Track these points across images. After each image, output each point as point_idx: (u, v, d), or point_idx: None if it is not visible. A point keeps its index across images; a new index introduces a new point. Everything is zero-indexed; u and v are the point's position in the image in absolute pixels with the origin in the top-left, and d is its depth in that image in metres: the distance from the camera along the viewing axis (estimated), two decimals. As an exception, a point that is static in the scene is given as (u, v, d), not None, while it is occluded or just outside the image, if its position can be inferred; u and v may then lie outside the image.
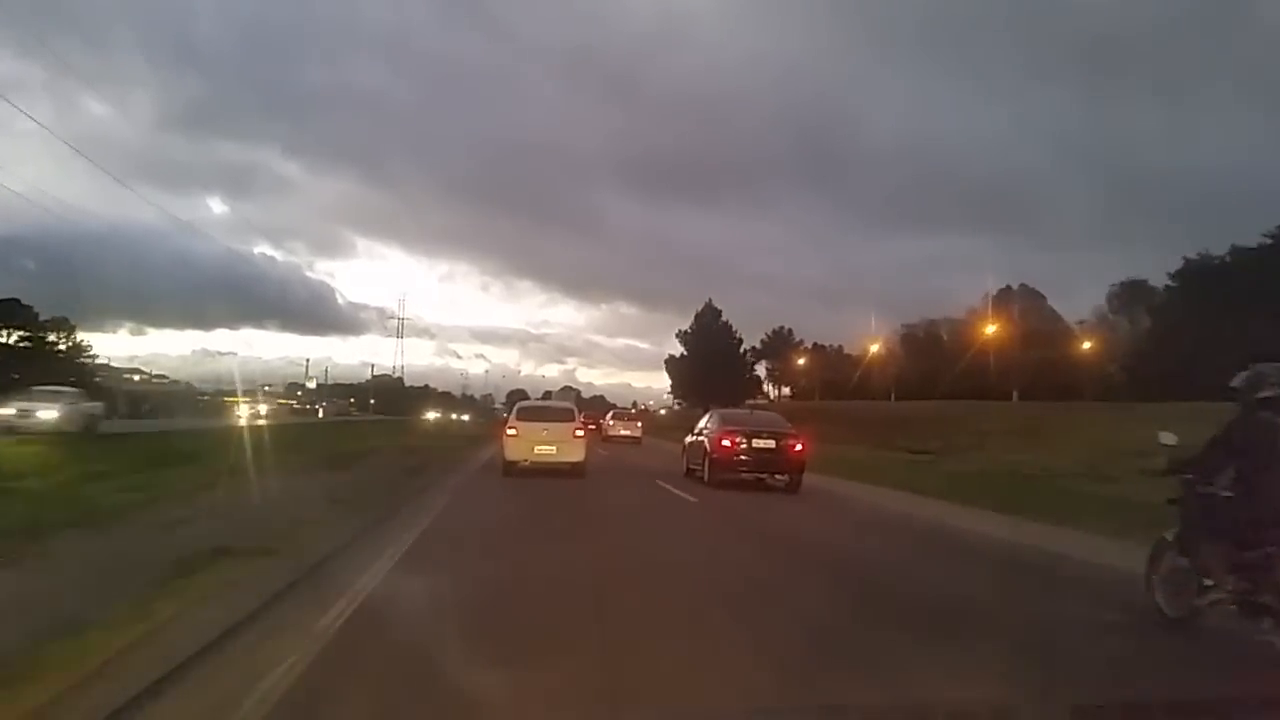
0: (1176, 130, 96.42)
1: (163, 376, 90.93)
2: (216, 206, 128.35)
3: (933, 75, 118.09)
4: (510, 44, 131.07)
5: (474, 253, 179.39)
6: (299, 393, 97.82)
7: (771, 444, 15.03)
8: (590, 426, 19.79)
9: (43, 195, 72.23)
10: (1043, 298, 61.80)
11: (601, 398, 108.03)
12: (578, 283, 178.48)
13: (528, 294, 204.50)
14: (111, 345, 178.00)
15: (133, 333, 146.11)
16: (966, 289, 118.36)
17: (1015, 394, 50.31)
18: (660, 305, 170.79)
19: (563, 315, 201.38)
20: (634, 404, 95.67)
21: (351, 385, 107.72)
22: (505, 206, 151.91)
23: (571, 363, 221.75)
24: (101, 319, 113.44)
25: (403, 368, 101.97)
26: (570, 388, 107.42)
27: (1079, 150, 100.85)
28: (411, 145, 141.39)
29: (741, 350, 74.89)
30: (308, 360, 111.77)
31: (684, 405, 77.50)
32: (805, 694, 4.03)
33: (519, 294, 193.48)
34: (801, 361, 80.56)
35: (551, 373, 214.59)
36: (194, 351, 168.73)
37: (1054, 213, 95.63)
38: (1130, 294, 54.77)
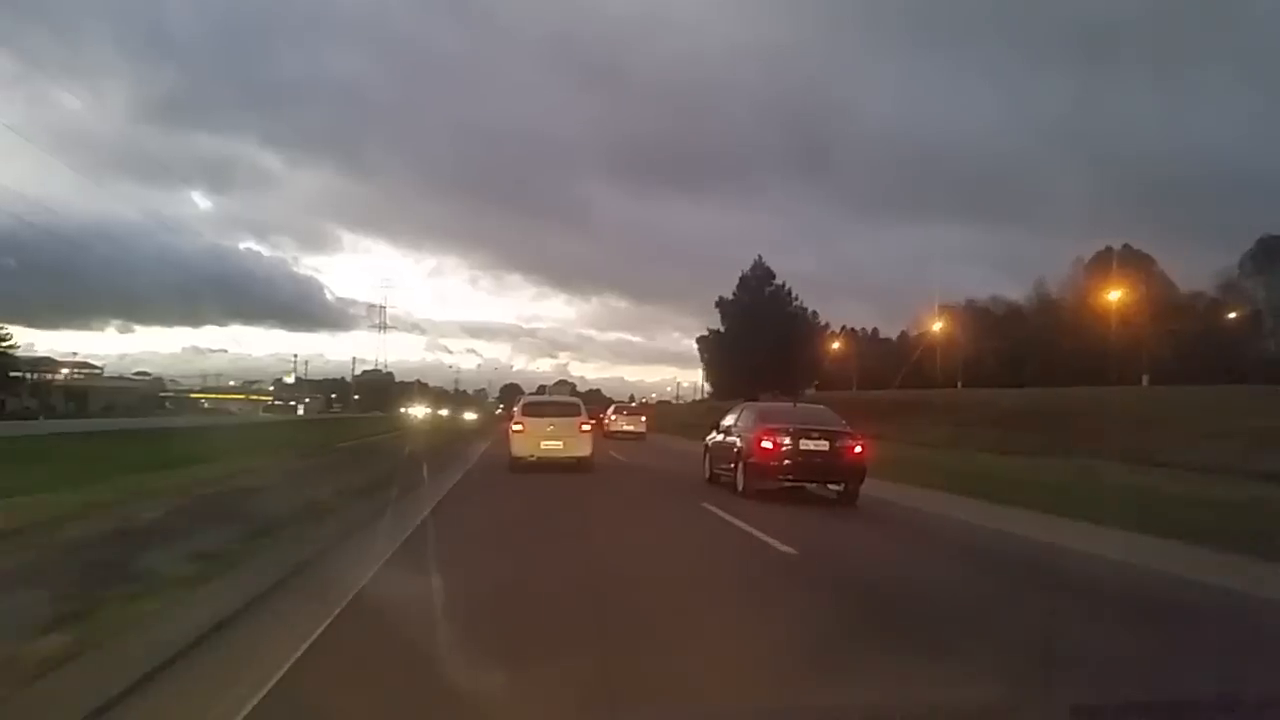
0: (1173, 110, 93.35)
1: (144, 373, 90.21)
2: (200, 201, 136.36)
3: (929, 56, 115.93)
4: (491, 30, 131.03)
5: (462, 246, 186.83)
6: (270, 388, 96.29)
7: (824, 445, 12.66)
8: (592, 422, 20.09)
9: (10, 193, 71.57)
10: (1151, 260, 52.51)
11: (598, 391, 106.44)
12: (567, 276, 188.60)
13: (517, 288, 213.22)
14: (100, 343, 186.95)
15: (120, 330, 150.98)
16: (975, 275, 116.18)
17: (1145, 377, 42.97)
18: (651, 298, 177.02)
19: (553, 309, 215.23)
20: (631, 397, 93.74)
21: (333, 381, 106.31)
22: (492, 198, 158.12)
23: (564, 357, 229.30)
24: (88, 317, 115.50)
25: (385, 362, 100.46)
26: (565, 381, 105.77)
27: (1069, 134, 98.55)
28: (394, 136, 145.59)
29: (801, 321, 59.96)
30: (295, 356, 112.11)
31: (711, 395, 73.11)
32: None
33: (508, 288, 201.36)
34: (836, 346, 77.40)
35: (544, 367, 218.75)
36: (184, 349, 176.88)
37: (1049, 198, 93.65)
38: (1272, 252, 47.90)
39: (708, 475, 15.58)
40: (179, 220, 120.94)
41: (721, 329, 61.52)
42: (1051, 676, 4.28)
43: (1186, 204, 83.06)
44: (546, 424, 17.13)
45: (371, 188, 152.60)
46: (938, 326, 57.04)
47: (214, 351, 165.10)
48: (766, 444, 12.72)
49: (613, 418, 38.26)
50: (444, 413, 72.91)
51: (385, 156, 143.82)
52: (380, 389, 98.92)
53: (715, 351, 63.28)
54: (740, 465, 13.36)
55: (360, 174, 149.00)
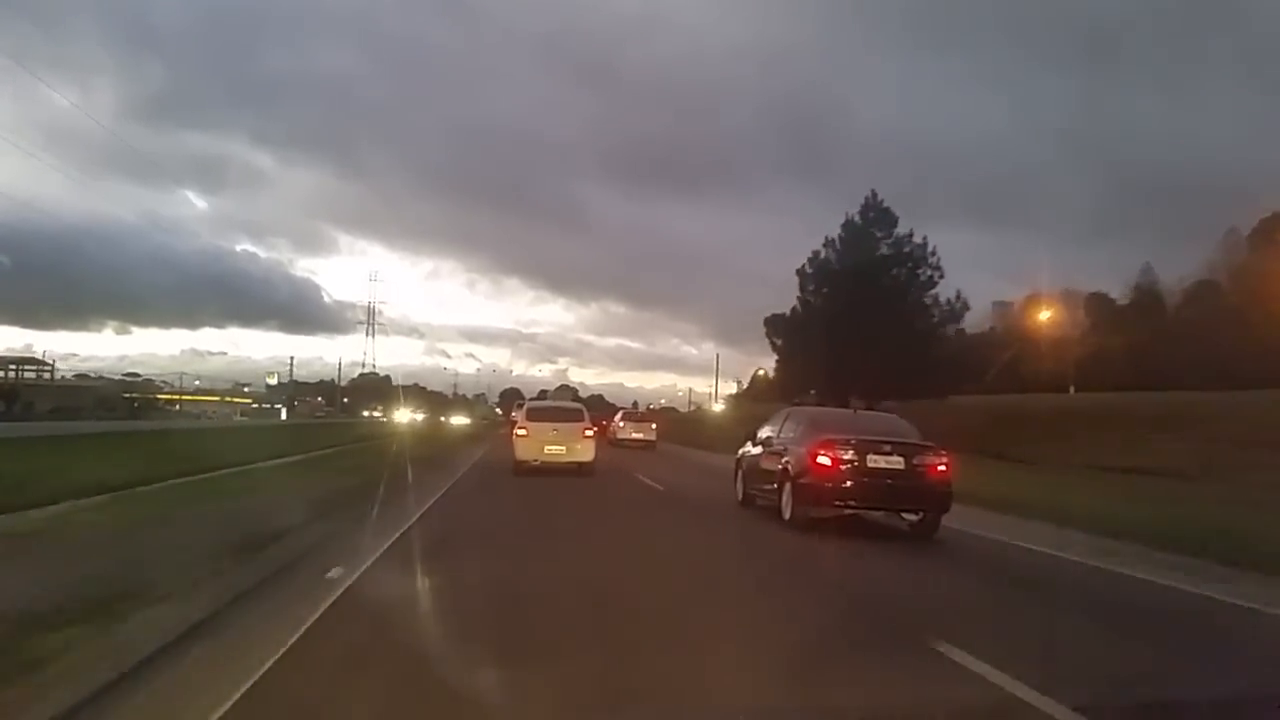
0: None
1: (135, 374, 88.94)
2: (196, 202, 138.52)
3: (933, 56, 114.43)
4: (487, 29, 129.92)
5: (458, 249, 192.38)
6: (246, 389, 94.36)
7: (898, 462, 10.49)
8: (595, 428, 19.64)
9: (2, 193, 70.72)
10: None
11: (600, 397, 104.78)
12: (566, 280, 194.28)
13: (515, 292, 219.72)
14: (98, 345, 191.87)
15: (117, 332, 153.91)
16: (986, 277, 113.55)
17: None
18: (650, 304, 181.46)
19: (552, 314, 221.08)
20: (634, 403, 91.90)
21: (326, 383, 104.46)
22: (488, 201, 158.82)
23: (563, 362, 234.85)
24: (84, 318, 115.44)
25: (375, 363, 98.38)
26: (567, 386, 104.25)
27: (1073, 140, 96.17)
28: (390, 138, 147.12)
29: (939, 297, 37.32)
30: (292, 359, 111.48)
31: (733, 400, 68.88)
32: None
33: (506, 292, 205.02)
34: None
35: (543, 372, 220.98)
36: (183, 351, 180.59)
37: (1054, 206, 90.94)
38: None
39: (740, 497, 13.57)
40: (174, 221, 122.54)
41: (810, 298, 40.63)
42: None
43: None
44: (550, 428, 17.71)
45: (368, 189, 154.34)
46: (1045, 316, 44.06)
47: (213, 354, 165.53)
48: (823, 460, 10.50)
49: (621, 425, 36.43)
50: (420, 417, 62.20)
51: (381, 158, 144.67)
52: (374, 392, 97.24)
53: (793, 338, 41.56)
54: (788, 486, 11.16)
55: (357, 175, 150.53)
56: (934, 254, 37.02)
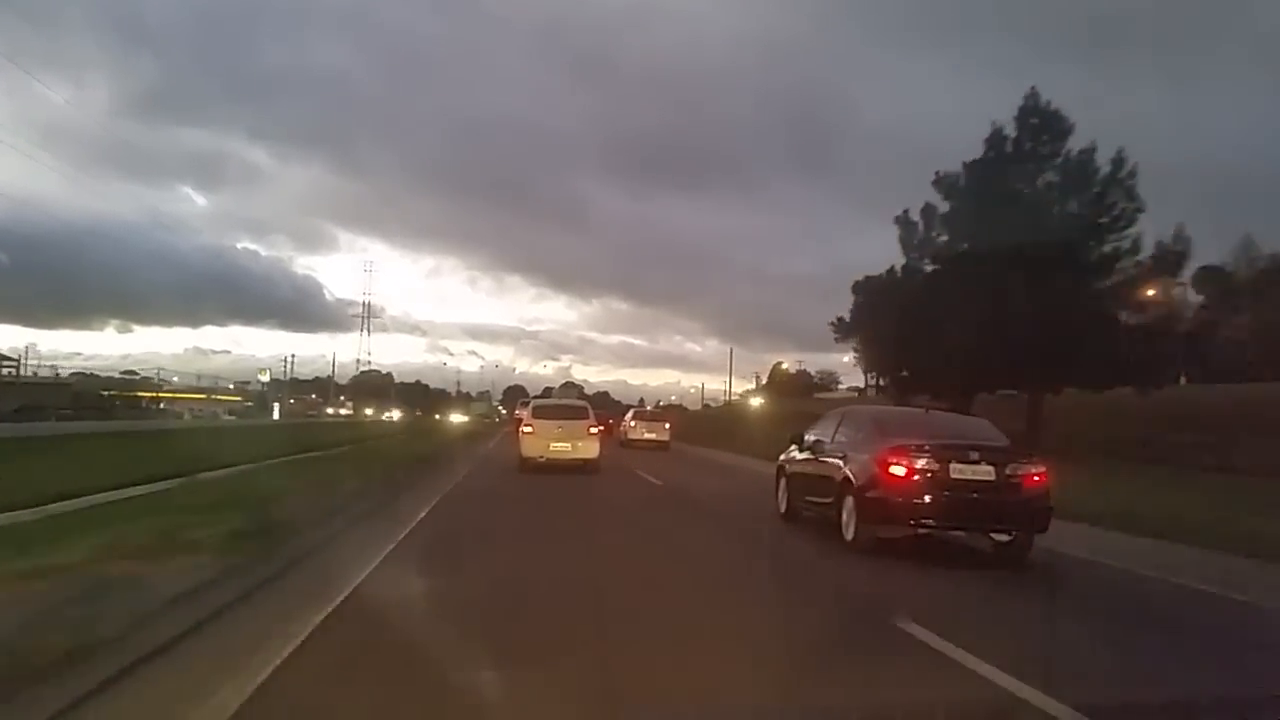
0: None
1: (133, 372, 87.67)
2: (196, 199, 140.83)
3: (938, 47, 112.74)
4: (485, 22, 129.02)
5: (460, 246, 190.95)
6: (230, 387, 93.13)
7: (988, 472, 8.93)
8: (600, 426, 20.07)
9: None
10: None
11: (606, 394, 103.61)
12: (568, 278, 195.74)
13: (517, 289, 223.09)
14: (100, 343, 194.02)
15: (119, 330, 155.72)
16: None
17: None
18: (653, 301, 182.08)
19: (554, 311, 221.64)
20: (640, 400, 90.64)
21: (314, 380, 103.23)
22: (489, 198, 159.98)
23: (566, 359, 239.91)
24: (86, 316, 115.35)
25: (370, 358, 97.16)
26: (572, 383, 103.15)
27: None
28: (390, 135, 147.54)
29: (1137, 242, 25.46)
30: (293, 356, 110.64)
31: (761, 395, 67.27)
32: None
33: (508, 289, 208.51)
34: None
35: (547, 370, 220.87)
36: (186, 350, 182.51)
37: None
38: None
39: (783, 509, 12.03)
40: (174, 218, 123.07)
41: (905, 265, 29.80)
42: None
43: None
44: (555, 426, 18.25)
45: (367, 186, 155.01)
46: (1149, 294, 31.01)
47: (216, 353, 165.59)
48: (897, 469, 8.94)
49: (631, 424, 34.81)
50: (393, 416, 52.70)
51: (380, 154, 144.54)
52: (374, 390, 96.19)
53: (894, 308, 29.93)
54: (849, 500, 9.57)
55: (355, 172, 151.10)
56: (1131, 177, 24.66)
